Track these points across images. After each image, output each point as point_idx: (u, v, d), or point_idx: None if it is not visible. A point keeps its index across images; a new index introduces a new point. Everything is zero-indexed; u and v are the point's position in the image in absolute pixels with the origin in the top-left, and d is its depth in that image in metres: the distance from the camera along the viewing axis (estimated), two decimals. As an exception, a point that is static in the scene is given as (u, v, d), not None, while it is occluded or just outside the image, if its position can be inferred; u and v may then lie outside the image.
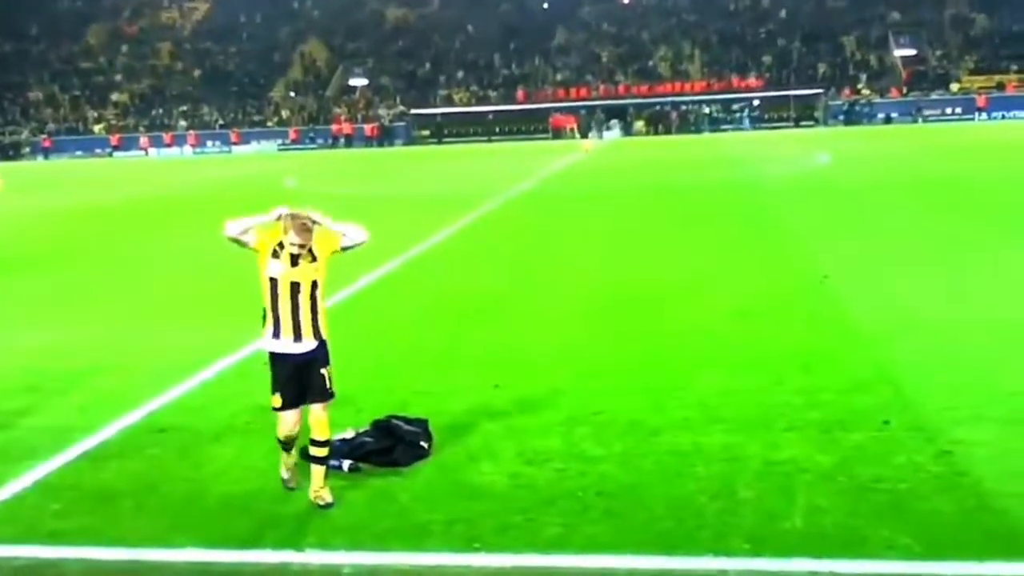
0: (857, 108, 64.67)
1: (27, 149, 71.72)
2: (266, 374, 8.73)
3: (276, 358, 6.01)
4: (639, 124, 67.98)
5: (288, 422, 6.01)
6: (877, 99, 65.53)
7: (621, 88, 70.65)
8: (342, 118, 71.55)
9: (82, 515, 5.88)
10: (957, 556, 4.88)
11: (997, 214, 17.90)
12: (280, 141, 70.14)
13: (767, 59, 71.23)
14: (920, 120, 61.75)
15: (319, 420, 5.95)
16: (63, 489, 6.31)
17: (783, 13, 75.25)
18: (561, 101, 69.81)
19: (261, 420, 7.48)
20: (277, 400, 6.00)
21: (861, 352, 8.82)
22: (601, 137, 62.58)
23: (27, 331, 11.27)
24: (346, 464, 6.33)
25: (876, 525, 5.28)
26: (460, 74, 75.53)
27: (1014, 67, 65.26)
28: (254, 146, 69.58)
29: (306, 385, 5.95)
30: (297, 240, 5.75)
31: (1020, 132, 44.49)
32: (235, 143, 70.34)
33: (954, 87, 65.32)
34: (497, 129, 69.26)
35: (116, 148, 71.30)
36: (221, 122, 74.53)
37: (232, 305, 12.11)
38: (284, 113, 74.88)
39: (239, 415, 7.67)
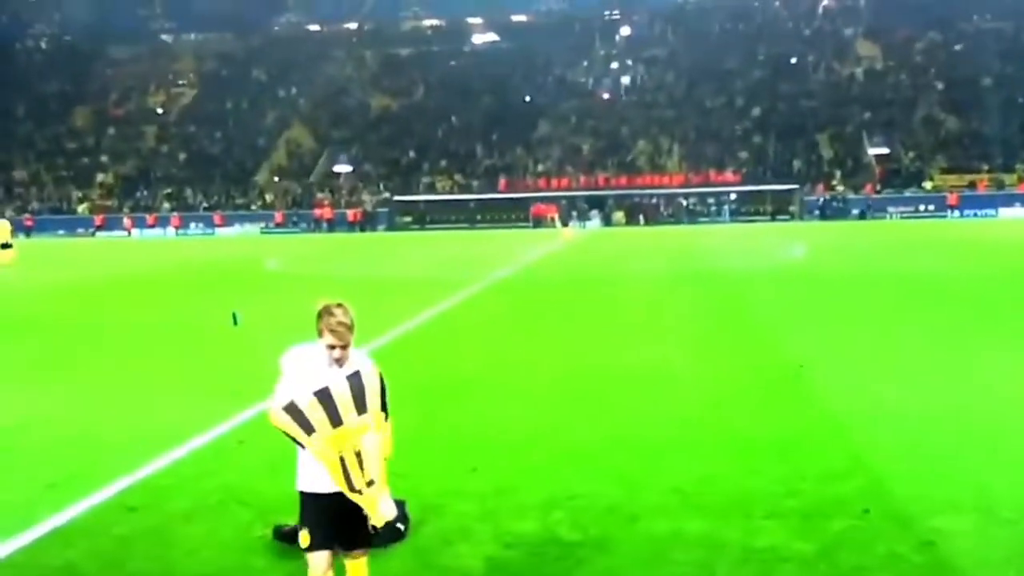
0: (832, 204, 65.85)
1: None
2: (239, 453, 8.68)
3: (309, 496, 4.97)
4: (618, 215, 68.92)
5: (319, 567, 4.93)
6: (851, 195, 66.80)
7: (601, 179, 71.77)
8: (325, 203, 72.12)
9: (46, 594, 5.73)
10: (937, 646, 4.82)
11: (964, 308, 18.16)
12: (264, 224, 70.49)
13: (744, 154, 72.70)
14: (894, 216, 62.89)
15: (356, 569, 5.02)
16: (29, 568, 6.16)
17: (757, 111, 77.04)
18: (542, 191, 70.74)
19: (232, 500, 7.38)
20: (305, 538, 4.93)
21: (837, 440, 8.81)
22: (583, 227, 63.33)
23: (-2, 405, 11.11)
24: (319, 545, 6.22)
25: (856, 613, 5.23)
26: (443, 162, 76.58)
27: (985, 167, 66.88)
28: (237, 228, 69.87)
29: (343, 525, 4.92)
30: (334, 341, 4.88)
31: (989, 229, 45.36)
32: (219, 225, 70.62)
33: (927, 185, 66.75)
34: (479, 217, 70.01)
35: (99, 228, 71.40)
36: (205, 204, 74.93)
37: (204, 383, 12.05)
38: (268, 197, 75.43)
39: (210, 495, 7.54)
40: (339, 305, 4.89)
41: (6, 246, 35.88)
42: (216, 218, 71.59)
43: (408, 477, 7.84)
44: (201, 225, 71.48)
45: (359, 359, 4.99)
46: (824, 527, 6.56)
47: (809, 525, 6.60)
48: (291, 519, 6.52)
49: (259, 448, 8.92)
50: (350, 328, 4.87)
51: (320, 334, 4.86)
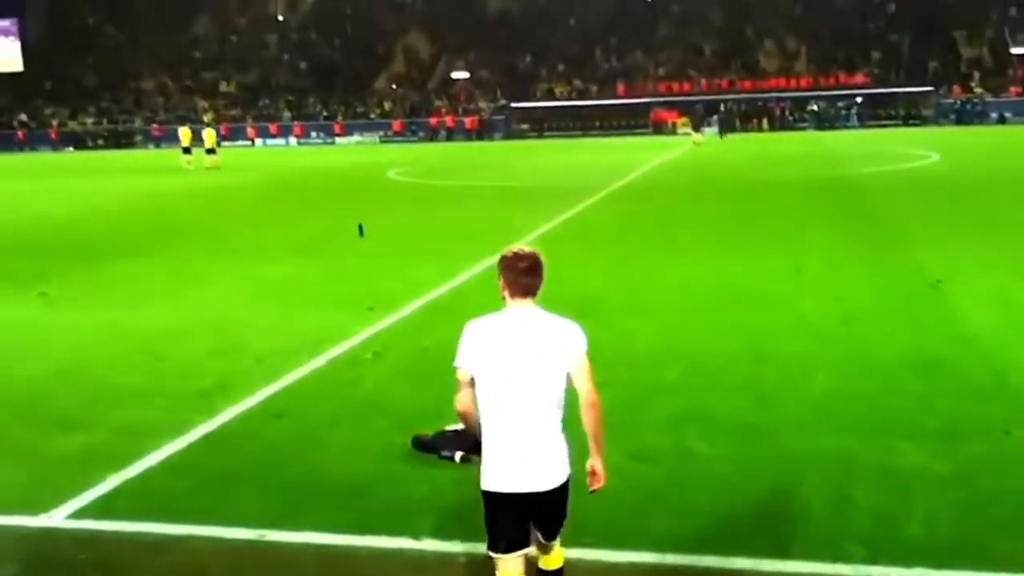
0: (968, 107, 62.50)
1: (139, 137, 74.32)
2: (374, 365, 8.98)
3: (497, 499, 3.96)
4: (743, 120, 66.96)
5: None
6: (990, 98, 63.21)
7: (724, 83, 69.63)
8: (443, 111, 72.26)
9: (207, 495, 6.11)
10: (1085, 574, 4.72)
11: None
12: (382, 133, 71.18)
13: (876, 55, 69.35)
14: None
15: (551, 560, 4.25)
16: (188, 469, 6.57)
17: (892, 7, 73.10)
18: (662, 96, 69.14)
19: (371, 409, 7.68)
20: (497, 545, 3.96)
21: (977, 359, 8.56)
22: (705, 132, 61.87)
23: (146, 311, 11.70)
24: (458, 455, 6.43)
25: (997, 538, 5.15)
26: (561, 67, 75.47)
27: None
28: (356, 137, 70.79)
29: (540, 519, 4.07)
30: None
31: None
32: (338, 134, 71.68)
33: (1076, 86, 62.64)
34: (597, 123, 69.04)
35: (224, 138, 73.26)
36: (325, 113, 76.01)
37: (337, 296, 12.43)
38: (386, 105, 75.94)
39: (350, 404, 7.86)
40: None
41: (211, 151, 40.78)
42: (336, 127, 72.65)
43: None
44: (322, 134, 72.63)
45: (555, 327, 4.02)
46: (963, 448, 6.44)
47: (947, 446, 6.49)
48: (427, 429, 6.79)
49: (391, 361, 9.22)
50: (539, 268, 3.86)
51: (501, 290, 3.91)
